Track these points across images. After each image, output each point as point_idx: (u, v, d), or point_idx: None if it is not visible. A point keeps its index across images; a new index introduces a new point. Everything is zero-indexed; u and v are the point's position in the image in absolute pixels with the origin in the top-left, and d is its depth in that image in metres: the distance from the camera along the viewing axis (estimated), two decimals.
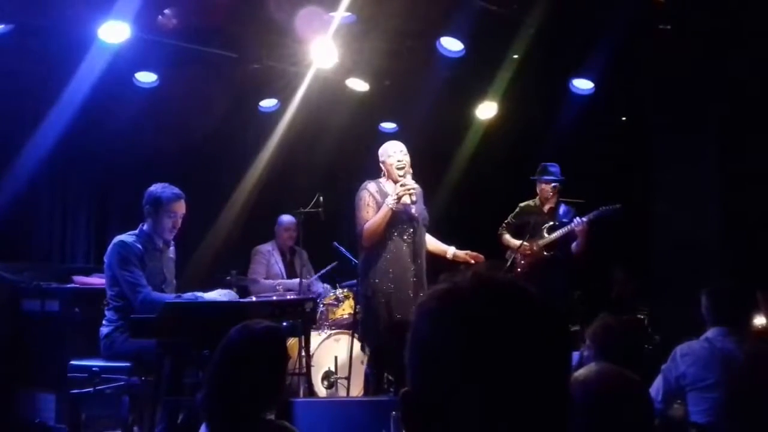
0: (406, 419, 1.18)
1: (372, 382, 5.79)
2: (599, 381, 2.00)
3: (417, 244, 5.69)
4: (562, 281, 7.13)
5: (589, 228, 6.99)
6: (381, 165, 5.79)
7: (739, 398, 4.05)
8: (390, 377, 6.08)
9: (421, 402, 1.15)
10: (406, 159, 5.69)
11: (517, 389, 1.10)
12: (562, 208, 7.38)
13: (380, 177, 5.80)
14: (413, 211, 5.68)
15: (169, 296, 5.17)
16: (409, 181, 5.59)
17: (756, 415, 3.96)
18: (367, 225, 5.59)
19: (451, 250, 6.03)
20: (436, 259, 6.04)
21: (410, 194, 5.57)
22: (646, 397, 2.15)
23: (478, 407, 1.09)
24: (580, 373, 2.04)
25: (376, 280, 5.60)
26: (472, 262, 5.93)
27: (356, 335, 6.25)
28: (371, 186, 5.72)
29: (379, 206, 5.62)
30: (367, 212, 5.63)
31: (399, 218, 5.62)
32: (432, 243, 6.02)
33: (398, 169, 5.64)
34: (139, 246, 5.27)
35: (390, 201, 5.54)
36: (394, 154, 5.69)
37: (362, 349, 6.22)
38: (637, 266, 8.75)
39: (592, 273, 8.07)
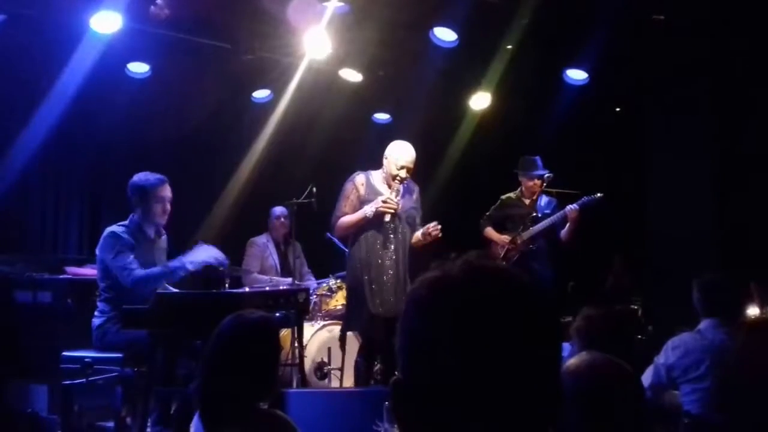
0: (396, 408, 1.18)
1: (362, 371, 5.80)
2: (590, 370, 2.00)
3: (399, 241, 5.66)
4: (548, 271, 7.17)
5: (581, 215, 7.02)
6: (384, 160, 5.72)
7: (730, 389, 4.05)
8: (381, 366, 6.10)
9: (411, 390, 1.15)
10: (408, 174, 5.64)
11: (508, 377, 1.09)
12: (543, 199, 7.41)
13: (378, 169, 5.76)
14: (398, 208, 5.64)
15: (157, 269, 5.20)
16: (393, 198, 5.55)
17: (747, 406, 3.96)
18: (341, 220, 5.63)
19: (417, 234, 5.82)
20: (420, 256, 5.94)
21: (389, 213, 5.51)
22: (637, 386, 2.14)
23: (469, 395, 1.09)
24: (572, 362, 2.03)
25: (359, 272, 5.61)
26: (432, 234, 5.70)
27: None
28: (359, 178, 5.69)
29: (360, 200, 5.62)
30: (345, 205, 5.64)
31: (377, 215, 5.58)
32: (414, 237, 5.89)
33: (396, 180, 5.61)
34: (130, 237, 5.28)
35: (369, 210, 5.53)
36: (400, 169, 5.59)
37: (340, 339, 6.27)
38: (632, 257, 8.77)
39: (587, 264, 8.08)
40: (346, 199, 5.64)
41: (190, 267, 5.17)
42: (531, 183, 7.32)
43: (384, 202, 5.51)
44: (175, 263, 5.22)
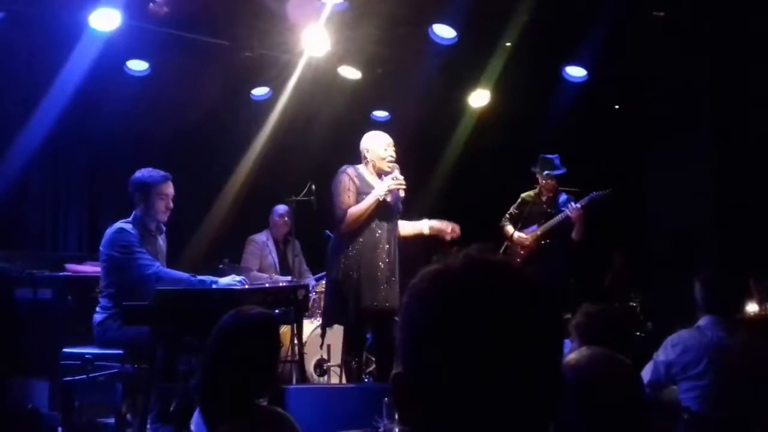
0: (398, 401, 1.18)
1: (353, 368, 5.77)
2: (590, 364, 2.00)
3: (391, 232, 5.62)
4: (559, 269, 7.16)
5: (584, 213, 7.03)
6: (364, 154, 5.69)
7: (729, 387, 4.06)
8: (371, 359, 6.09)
9: (413, 383, 1.14)
10: (395, 154, 5.65)
11: (509, 370, 1.09)
12: (561, 197, 7.41)
13: (359, 164, 5.73)
14: (391, 199, 5.63)
15: (184, 274, 5.19)
16: (400, 176, 5.54)
17: (746, 403, 3.97)
18: (352, 210, 5.48)
19: (425, 225, 5.87)
20: (408, 249, 5.92)
21: (402, 188, 5.54)
22: (637, 381, 2.14)
23: (470, 387, 1.09)
24: (571, 357, 2.03)
25: (347, 264, 5.51)
26: (449, 231, 5.80)
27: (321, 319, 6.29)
28: (350, 170, 5.62)
29: (358, 191, 5.56)
30: (348, 196, 5.52)
31: (378, 205, 5.56)
32: (406, 227, 5.88)
33: (389, 164, 5.60)
34: (135, 232, 5.28)
35: (380, 192, 5.47)
36: (386, 150, 5.61)
37: (321, 335, 6.28)
38: (631, 254, 8.79)
39: (586, 261, 8.09)
40: (347, 191, 5.55)
41: (215, 286, 5.14)
42: (549, 182, 7.34)
43: (393, 179, 5.49)
44: (202, 277, 5.20)
